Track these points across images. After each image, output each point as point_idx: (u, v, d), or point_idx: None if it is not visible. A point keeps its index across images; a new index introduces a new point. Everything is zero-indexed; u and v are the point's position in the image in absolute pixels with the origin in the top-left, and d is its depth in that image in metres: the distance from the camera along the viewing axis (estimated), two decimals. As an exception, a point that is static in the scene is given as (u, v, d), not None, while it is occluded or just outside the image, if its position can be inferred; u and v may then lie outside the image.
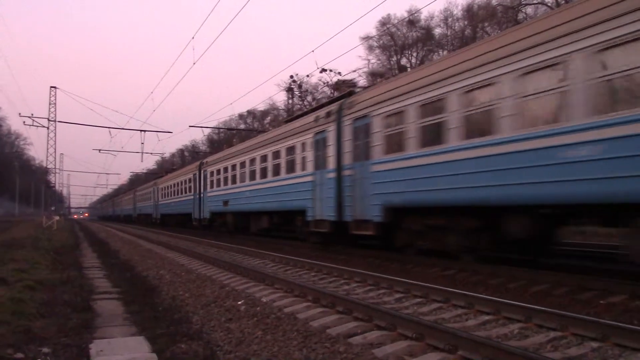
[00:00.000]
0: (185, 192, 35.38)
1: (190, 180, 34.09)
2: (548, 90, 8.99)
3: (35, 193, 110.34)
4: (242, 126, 74.12)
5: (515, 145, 9.47)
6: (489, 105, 10.06)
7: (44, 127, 44.89)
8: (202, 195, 30.64)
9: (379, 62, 53.35)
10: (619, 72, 7.98)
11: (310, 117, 17.33)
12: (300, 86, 57.45)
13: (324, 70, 55.17)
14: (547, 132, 8.89)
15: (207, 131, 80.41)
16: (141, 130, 41.79)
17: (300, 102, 59.00)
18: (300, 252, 16.89)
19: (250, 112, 73.90)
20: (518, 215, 10.06)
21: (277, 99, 72.79)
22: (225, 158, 26.64)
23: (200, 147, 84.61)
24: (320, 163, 16.31)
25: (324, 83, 56.92)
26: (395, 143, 12.78)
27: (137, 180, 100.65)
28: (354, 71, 60.29)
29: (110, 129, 41.16)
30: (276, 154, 19.59)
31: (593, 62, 8.33)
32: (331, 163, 15.62)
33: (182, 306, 8.35)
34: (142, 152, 54.10)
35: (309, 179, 16.90)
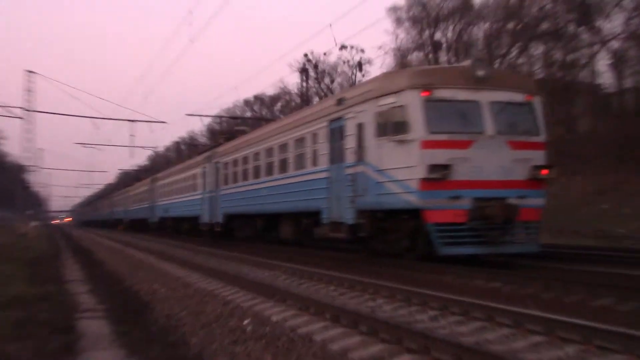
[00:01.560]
0: (144, 201, 49.49)
1: (147, 190, 48.40)
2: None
3: (11, 195, 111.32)
4: (249, 114, 74.24)
5: (247, 187, 23.71)
6: (254, 164, 23.36)
7: (19, 117, 45.27)
8: (154, 203, 44.78)
9: (408, 37, 52.98)
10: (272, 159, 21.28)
11: (201, 157, 32.19)
12: (316, 66, 57.41)
13: (343, 47, 55.04)
14: (256, 181, 22.73)
15: (207, 120, 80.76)
16: (130, 120, 42.07)
17: (316, 85, 58.97)
18: (316, 262, 16.91)
19: (257, 98, 74.05)
20: (260, 218, 23.65)
21: (289, 82, 72.66)
22: (165, 176, 42.21)
23: (200, 139, 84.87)
24: (205, 186, 30.11)
25: (344, 62, 56.81)
26: (226, 179, 26.62)
27: (127, 178, 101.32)
28: (379, 48, 60.12)
29: (95, 119, 41.40)
30: (187, 178, 34.54)
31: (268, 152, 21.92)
32: (208, 187, 29.53)
33: (178, 326, 8.39)
34: (132, 146, 54.09)
35: (199, 196, 31.10)
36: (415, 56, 48.90)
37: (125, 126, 41.95)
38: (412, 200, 13.67)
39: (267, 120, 51.62)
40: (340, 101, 16.70)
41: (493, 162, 13.94)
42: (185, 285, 12.70)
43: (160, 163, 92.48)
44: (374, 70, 59.91)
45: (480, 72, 14.35)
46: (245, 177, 24.42)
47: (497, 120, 14.16)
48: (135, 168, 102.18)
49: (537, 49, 41.09)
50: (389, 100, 14.49)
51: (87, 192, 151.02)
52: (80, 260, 20.42)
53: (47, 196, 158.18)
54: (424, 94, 13.88)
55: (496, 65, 41.39)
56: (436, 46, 46.31)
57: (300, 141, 19.06)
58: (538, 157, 14.60)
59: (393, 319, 8.37)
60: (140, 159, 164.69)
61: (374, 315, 8.18)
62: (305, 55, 54.96)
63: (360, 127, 15.36)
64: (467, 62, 14.97)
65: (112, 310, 9.72)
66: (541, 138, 14.84)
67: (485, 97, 14.16)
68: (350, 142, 15.77)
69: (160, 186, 43.33)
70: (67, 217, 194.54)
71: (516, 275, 11.83)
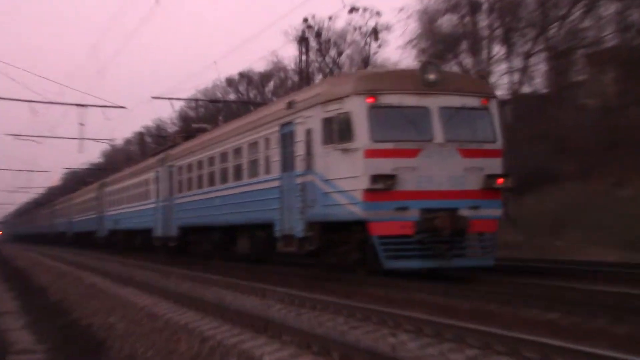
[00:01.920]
0: (91, 210, 52.01)
1: (94, 198, 50.79)
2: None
3: None
4: (232, 96, 73.96)
5: (202, 196, 26.27)
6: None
7: None
8: (103, 214, 46.93)
9: (439, -4, 52.68)
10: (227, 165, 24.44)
11: (154, 159, 34.42)
12: (319, 35, 57.23)
13: (354, 9, 54.79)
14: (211, 189, 25.50)
15: (178, 105, 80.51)
16: (80, 105, 41.87)
17: (319, 59, 58.97)
18: (322, 287, 16.97)
19: (244, 76, 73.62)
20: (217, 232, 25.90)
21: (284, 55, 72.32)
22: (115, 181, 44.67)
23: (169, 129, 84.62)
24: (158, 194, 32.31)
25: (355, 29, 56.71)
26: (181, 186, 29.07)
27: (75, 180, 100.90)
28: (400, 10, 59.94)
29: (33, 103, 41.13)
30: (138, 184, 36.95)
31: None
32: (161, 195, 31.68)
33: (142, 370, 8.41)
34: (82, 138, 53.23)
35: (152, 205, 33.14)
36: (446, 20, 48.72)
37: (73, 112, 41.59)
38: (357, 211, 16.38)
39: (257, 105, 51.79)
40: (290, 104, 19.43)
41: (442, 171, 16.51)
42: (151, 317, 12.73)
43: (118, 160, 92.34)
44: (394, 38, 59.76)
45: (431, 76, 16.90)
46: (200, 185, 27.08)
47: (447, 127, 16.74)
48: (86, 167, 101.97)
49: (608, 9, 40.86)
50: (335, 106, 17.15)
51: (23, 198, 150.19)
52: (14, 287, 20.52)
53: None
54: (369, 100, 16.51)
55: (553, 30, 41.35)
56: (474, 7, 46.13)
57: (253, 146, 21.90)
58: (493, 165, 17.12)
59: None
60: (92, 154, 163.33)
61: (395, 355, 8.17)
62: (305, 20, 54.62)
63: (308, 133, 18.07)
64: (417, 65, 17.89)
65: (56, 351, 9.75)
66: (497, 145, 17.39)
67: (436, 102, 16.82)
68: (299, 149, 18.45)
69: (110, 193, 45.48)
70: None
71: (577, 304, 11.95)
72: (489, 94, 18.02)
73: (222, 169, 24.61)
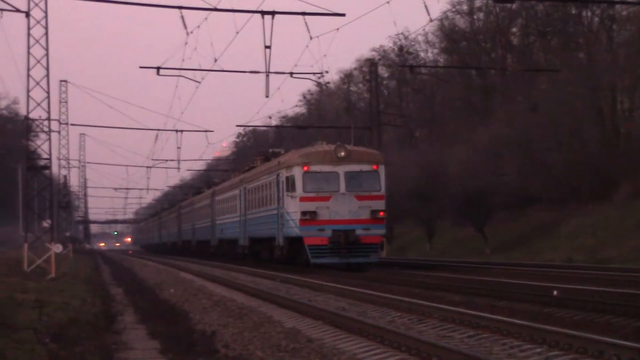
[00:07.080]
0: (207, 218, 58.42)
1: (208, 205, 57.71)
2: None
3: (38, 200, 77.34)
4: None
5: (252, 216, 40.98)
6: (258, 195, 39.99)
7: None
8: (215, 222, 54.12)
9: None
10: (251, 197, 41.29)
11: (237, 179, 46.26)
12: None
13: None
14: (259, 210, 39.41)
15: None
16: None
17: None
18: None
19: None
20: (268, 241, 38.44)
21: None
22: (222, 190, 53.31)
23: (421, 53, 66.11)
24: (240, 209, 43.63)
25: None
26: (248, 204, 41.72)
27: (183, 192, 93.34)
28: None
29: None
30: (231, 198, 47.34)
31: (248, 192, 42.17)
32: (242, 210, 42.93)
33: None
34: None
35: (237, 218, 44.51)
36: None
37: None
38: (297, 231, 31.27)
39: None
40: (279, 163, 33.97)
41: (345, 208, 30.70)
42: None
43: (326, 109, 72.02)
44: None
45: (340, 154, 31.25)
46: (253, 206, 40.22)
47: (349, 183, 30.94)
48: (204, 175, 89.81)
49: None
50: (290, 170, 31.85)
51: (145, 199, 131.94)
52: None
53: (80, 200, 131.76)
54: (304, 168, 31.17)
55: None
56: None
57: (269, 184, 35.82)
58: (377, 204, 31.26)
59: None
60: (289, 101, 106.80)
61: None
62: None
63: (282, 183, 32.51)
64: (333, 146, 32.01)
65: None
66: (381, 192, 31.58)
67: (342, 168, 31.08)
68: (280, 192, 32.96)
69: (219, 201, 54.10)
70: (127, 236, 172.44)
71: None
72: (379, 162, 32.05)
73: (259, 198, 38.42)
